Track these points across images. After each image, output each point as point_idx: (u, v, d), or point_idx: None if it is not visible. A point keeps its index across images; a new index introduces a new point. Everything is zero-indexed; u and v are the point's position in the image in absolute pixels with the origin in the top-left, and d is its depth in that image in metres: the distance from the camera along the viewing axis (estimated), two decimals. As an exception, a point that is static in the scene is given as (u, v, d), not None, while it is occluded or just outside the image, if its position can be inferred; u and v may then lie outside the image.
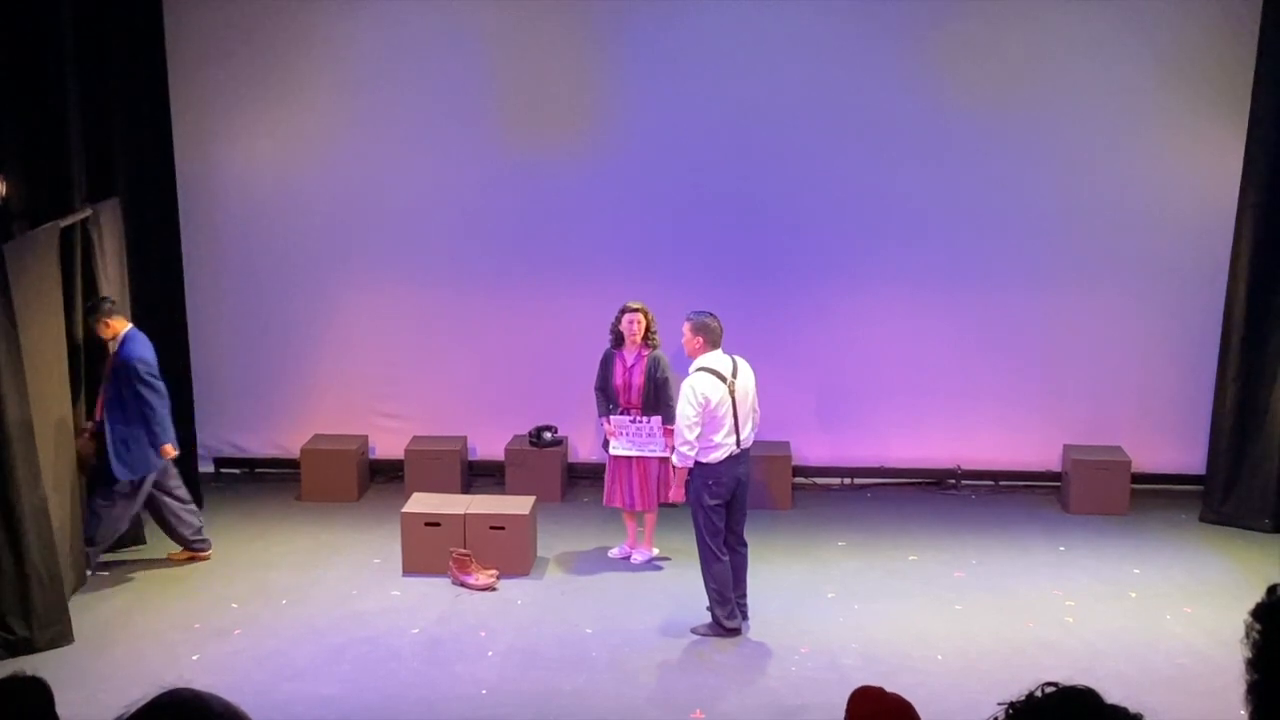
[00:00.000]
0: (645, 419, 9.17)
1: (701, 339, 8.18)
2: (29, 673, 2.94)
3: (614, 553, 9.57)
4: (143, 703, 2.27)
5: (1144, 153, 10.35)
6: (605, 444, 9.38)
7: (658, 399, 9.17)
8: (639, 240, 10.66)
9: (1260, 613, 2.38)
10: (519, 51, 10.44)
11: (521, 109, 10.52)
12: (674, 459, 8.26)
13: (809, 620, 8.50)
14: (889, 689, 3.26)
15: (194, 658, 7.93)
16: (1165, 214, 10.41)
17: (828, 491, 10.89)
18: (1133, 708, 2.18)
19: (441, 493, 9.88)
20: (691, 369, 8.17)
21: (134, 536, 9.54)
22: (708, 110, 10.41)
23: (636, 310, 9.22)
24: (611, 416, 9.23)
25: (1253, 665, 2.36)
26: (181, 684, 2.32)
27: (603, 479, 9.63)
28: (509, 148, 10.55)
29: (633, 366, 9.22)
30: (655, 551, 9.51)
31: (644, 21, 10.38)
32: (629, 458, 9.25)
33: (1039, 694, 2.18)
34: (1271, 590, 2.40)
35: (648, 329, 9.22)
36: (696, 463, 8.09)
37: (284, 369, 10.99)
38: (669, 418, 9.04)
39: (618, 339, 9.30)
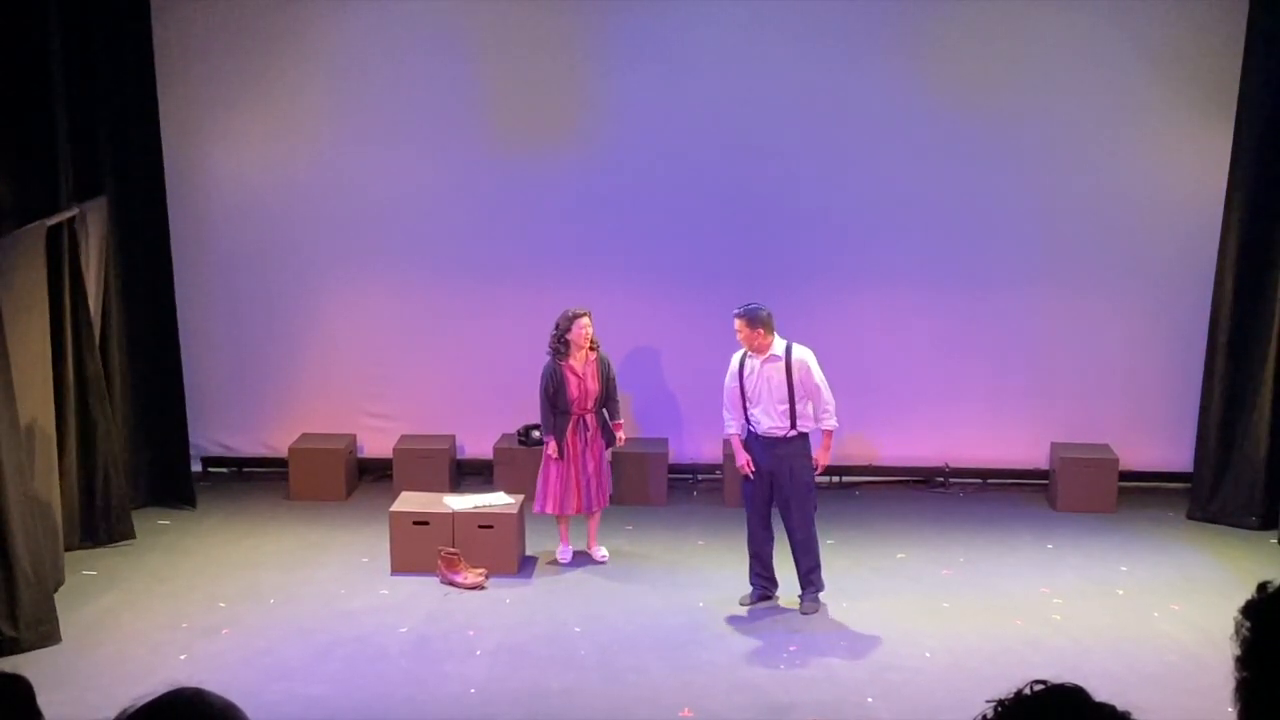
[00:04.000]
0: (596, 431, 9.30)
1: (762, 330, 8.40)
2: (10, 671, 2.92)
3: (566, 555, 9.48)
4: (146, 699, 2.27)
5: (1131, 152, 10.37)
6: (559, 453, 9.25)
7: (607, 397, 9.29)
8: (626, 239, 10.66)
9: (1250, 610, 2.38)
10: (508, 50, 10.43)
11: (511, 108, 10.51)
12: (831, 424, 8.52)
13: (797, 618, 8.51)
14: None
15: (181, 657, 7.91)
16: (1152, 213, 10.44)
17: (817, 490, 10.88)
18: (1120, 705, 2.18)
19: (430, 491, 9.86)
20: (791, 349, 8.43)
21: (122, 533, 9.50)
22: (696, 110, 10.41)
23: (586, 315, 9.15)
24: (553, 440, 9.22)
25: (1242, 662, 2.35)
26: (172, 684, 2.32)
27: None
28: (497, 146, 10.54)
29: (584, 374, 9.19)
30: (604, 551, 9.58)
31: (634, 19, 10.38)
32: (578, 462, 9.24)
33: (1027, 691, 2.18)
34: (1261, 587, 2.40)
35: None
36: (803, 434, 8.48)
37: (272, 368, 10.97)
38: (615, 413, 9.32)
39: (563, 349, 9.16)
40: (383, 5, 10.36)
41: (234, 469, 11.18)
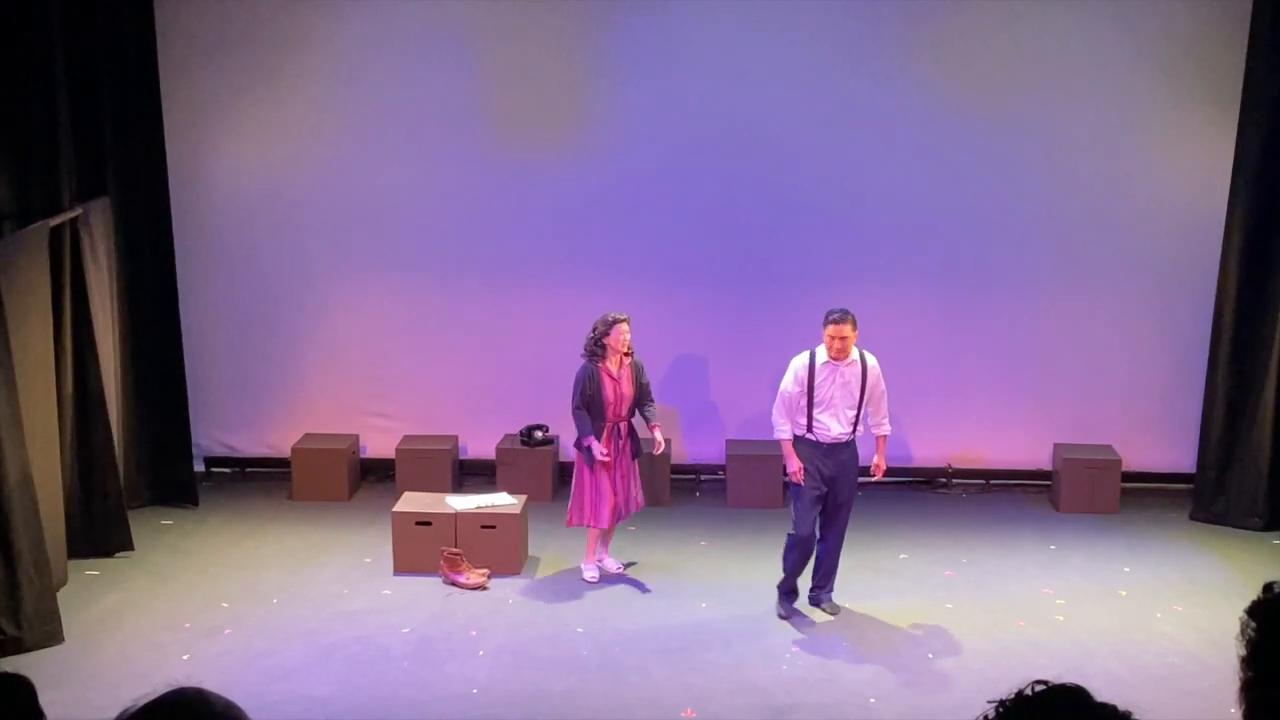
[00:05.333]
0: (628, 439, 9.00)
1: (856, 334, 8.34)
2: (11, 671, 2.92)
3: (593, 573, 9.14)
4: (148, 699, 2.27)
5: (1135, 152, 10.37)
6: (589, 461, 8.87)
7: (641, 402, 9.03)
8: (628, 240, 10.66)
9: (1256, 610, 2.38)
10: (511, 50, 10.43)
11: (513, 108, 10.51)
12: (889, 429, 8.58)
13: (799, 619, 8.50)
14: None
15: (184, 657, 7.91)
16: (1156, 213, 10.43)
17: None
18: (1122, 706, 2.18)
19: (432, 492, 9.86)
20: (864, 355, 8.37)
21: (121, 542, 9.49)
22: (698, 110, 10.41)
23: (625, 320, 8.83)
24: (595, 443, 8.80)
25: (1247, 663, 2.36)
26: (173, 684, 2.32)
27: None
28: (500, 147, 10.54)
29: (620, 378, 8.87)
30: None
31: (635, 20, 10.37)
32: (610, 470, 8.87)
33: (1029, 692, 2.18)
34: (1268, 587, 2.40)
35: None
36: (854, 438, 8.39)
37: (275, 368, 10.97)
38: (651, 416, 9.00)
39: (600, 352, 8.83)
40: (386, 6, 10.36)
41: (237, 469, 11.18)
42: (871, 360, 8.39)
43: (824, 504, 8.44)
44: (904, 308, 10.64)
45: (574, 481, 9.07)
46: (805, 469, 8.32)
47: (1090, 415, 10.73)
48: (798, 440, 8.37)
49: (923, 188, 10.47)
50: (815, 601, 8.64)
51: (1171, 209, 10.42)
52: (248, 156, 10.63)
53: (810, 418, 8.31)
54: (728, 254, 10.64)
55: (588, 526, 9.05)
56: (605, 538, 9.24)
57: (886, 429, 8.54)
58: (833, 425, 8.29)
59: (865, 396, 8.32)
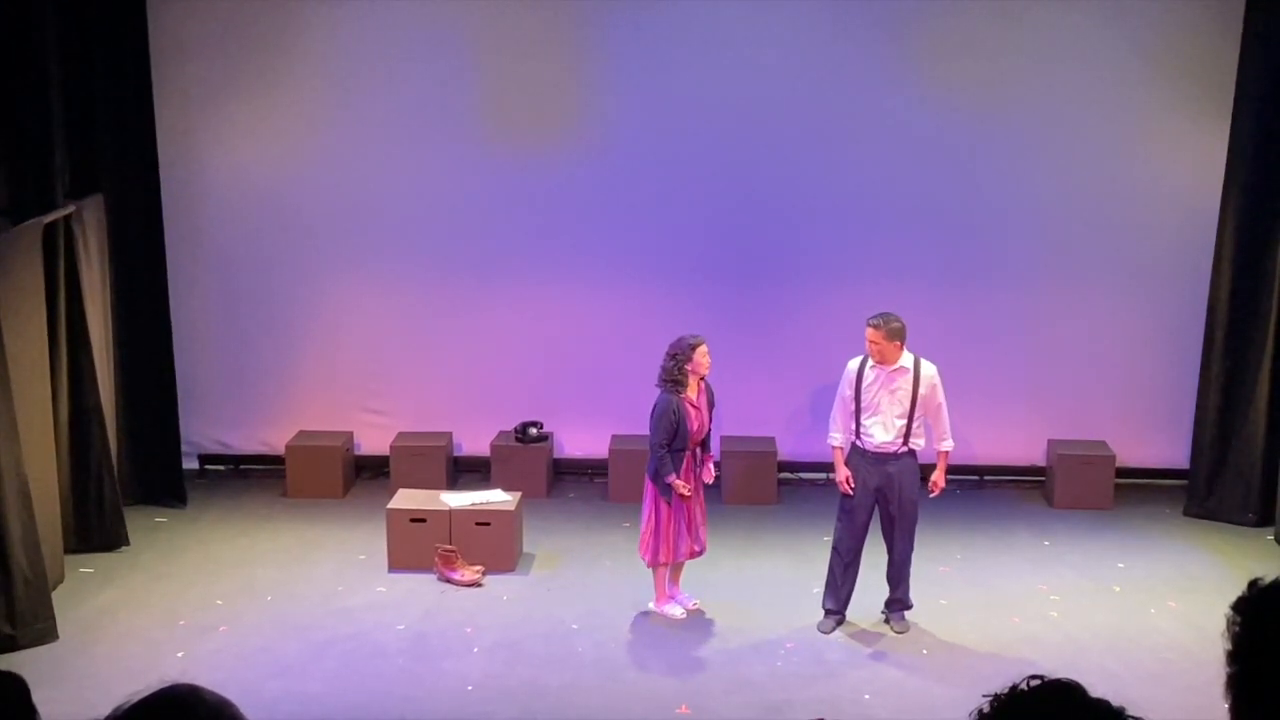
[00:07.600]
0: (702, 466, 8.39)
1: (898, 343, 8.06)
2: (4, 669, 2.92)
3: (681, 611, 8.54)
4: (142, 696, 2.28)
5: (1129, 150, 10.38)
6: (667, 496, 8.21)
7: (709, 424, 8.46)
8: (625, 237, 10.65)
9: (1241, 606, 2.39)
10: (506, 47, 10.43)
11: (508, 105, 10.50)
12: (950, 445, 8.31)
13: (794, 615, 8.50)
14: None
15: (179, 655, 7.91)
16: (1150, 210, 10.45)
17: (813, 487, 10.88)
18: (1116, 701, 2.19)
19: (427, 488, 9.86)
20: (920, 363, 8.10)
21: (118, 537, 9.49)
22: (695, 108, 10.40)
23: (704, 342, 8.23)
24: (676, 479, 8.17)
25: (1233, 658, 2.37)
26: (168, 681, 2.33)
27: (589, 476, 9.40)
28: (496, 144, 10.53)
29: (700, 405, 8.27)
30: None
31: (632, 18, 10.37)
32: (690, 502, 8.28)
33: (1023, 687, 2.19)
34: (1252, 584, 2.42)
35: None
36: (912, 451, 8.16)
37: (269, 365, 10.96)
38: (707, 445, 8.47)
39: (684, 380, 8.15)
40: (380, 3, 10.35)
41: (231, 466, 11.17)
42: (928, 370, 8.10)
43: (881, 517, 8.25)
44: (898, 304, 10.54)
45: (649, 517, 8.32)
46: (852, 477, 8.12)
47: (1084, 411, 10.74)
48: (852, 449, 8.19)
49: (918, 186, 10.47)
50: (885, 617, 8.45)
51: (1165, 207, 10.43)
52: (241, 153, 10.62)
53: (858, 423, 8.12)
54: (725, 252, 10.63)
55: (665, 563, 8.44)
56: (676, 572, 8.64)
57: (947, 444, 8.26)
58: (878, 433, 8.06)
59: (917, 406, 8.07)
